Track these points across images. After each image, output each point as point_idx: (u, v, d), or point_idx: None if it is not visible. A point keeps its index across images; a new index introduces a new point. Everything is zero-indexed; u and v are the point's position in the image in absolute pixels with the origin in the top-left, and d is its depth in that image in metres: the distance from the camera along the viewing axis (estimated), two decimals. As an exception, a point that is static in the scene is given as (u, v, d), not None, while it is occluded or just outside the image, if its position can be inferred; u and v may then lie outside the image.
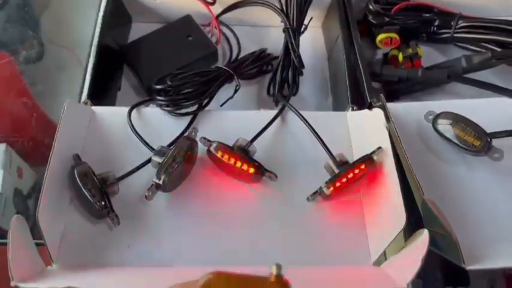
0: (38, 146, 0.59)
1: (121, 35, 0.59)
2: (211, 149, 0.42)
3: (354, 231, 0.41)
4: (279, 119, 0.47)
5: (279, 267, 0.21)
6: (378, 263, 0.39)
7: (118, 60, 0.57)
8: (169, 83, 0.47)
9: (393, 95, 0.54)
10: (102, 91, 0.51)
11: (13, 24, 0.67)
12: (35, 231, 0.36)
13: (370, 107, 0.48)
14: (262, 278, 0.21)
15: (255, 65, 0.56)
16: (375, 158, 0.42)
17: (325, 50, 0.61)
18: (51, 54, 0.65)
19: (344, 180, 0.41)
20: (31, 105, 0.61)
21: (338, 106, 0.54)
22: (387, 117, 0.44)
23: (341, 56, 0.53)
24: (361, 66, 0.51)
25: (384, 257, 0.39)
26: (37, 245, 0.37)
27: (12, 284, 0.32)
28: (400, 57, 0.55)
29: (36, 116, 0.60)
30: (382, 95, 0.45)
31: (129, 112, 0.46)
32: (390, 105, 0.46)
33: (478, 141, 0.43)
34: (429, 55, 0.58)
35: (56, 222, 0.39)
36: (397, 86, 0.54)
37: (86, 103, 0.47)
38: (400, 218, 0.37)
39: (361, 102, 0.49)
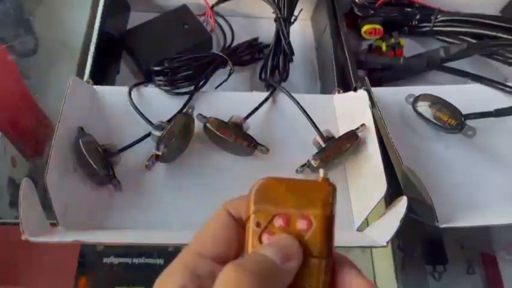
0: (30, 137, 0.61)
1: (120, 23, 0.62)
2: (208, 124, 0.45)
3: (338, 201, 0.44)
4: (270, 100, 0.51)
5: (325, 172, 0.23)
6: (360, 229, 0.43)
7: (117, 46, 0.59)
8: (167, 65, 0.50)
9: (377, 83, 0.58)
10: (102, 74, 0.53)
11: (7, 18, 0.69)
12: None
13: (354, 90, 0.51)
14: (312, 181, 0.23)
15: (248, 51, 0.59)
16: (359, 133, 0.45)
17: (314, 41, 0.65)
18: (45, 48, 0.66)
19: (330, 153, 0.44)
20: (25, 97, 0.62)
21: (325, 91, 0.57)
22: (371, 99, 0.47)
23: (329, 45, 0.56)
24: (347, 54, 0.55)
25: (366, 224, 0.43)
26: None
27: (23, 238, 0.35)
28: (384, 47, 0.59)
29: (29, 108, 0.62)
30: (366, 78, 0.49)
31: (130, 90, 0.49)
32: (374, 89, 0.49)
33: (453, 120, 0.46)
34: (410, 47, 0.62)
35: (62, 188, 0.41)
36: (380, 74, 0.57)
37: (88, 82, 0.49)
38: (381, 186, 0.40)
39: (346, 87, 0.53)
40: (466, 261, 0.56)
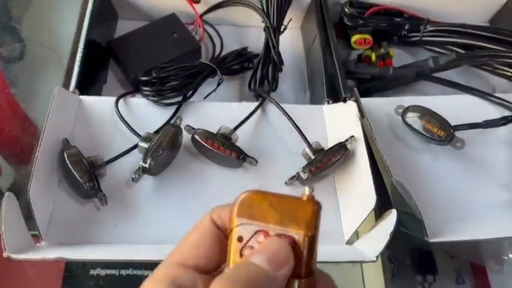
0: (16, 145, 0.60)
1: (107, 31, 0.61)
2: (196, 135, 0.45)
3: (328, 213, 0.44)
4: (259, 111, 0.50)
5: (311, 189, 0.23)
6: (350, 242, 0.42)
7: (104, 54, 0.58)
8: (154, 75, 0.50)
9: (366, 93, 0.58)
10: (88, 83, 0.52)
11: None
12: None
13: (344, 101, 0.51)
14: (296, 198, 0.23)
15: (237, 61, 0.59)
16: (348, 145, 0.45)
17: (303, 50, 0.64)
18: (32, 54, 0.65)
19: (319, 165, 0.44)
20: (11, 104, 0.61)
21: (315, 101, 0.57)
22: (360, 110, 0.47)
23: (318, 54, 0.56)
24: (336, 64, 0.54)
25: (356, 236, 0.42)
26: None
27: (5, 255, 0.34)
28: (373, 57, 0.59)
29: (16, 115, 0.60)
30: (355, 89, 0.48)
31: (117, 101, 0.48)
32: (363, 100, 0.49)
33: (442, 131, 0.46)
34: (400, 57, 0.62)
35: (46, 202, 0.41)
36: (370, 84, 0.57)
37: (74, 92, 0.48)
38: (370, 199, 0.40)
39: (336, 98, 0.52)
40: (456, 271, 0.56)
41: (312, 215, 0.22)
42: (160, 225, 0.42)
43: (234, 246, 0.22)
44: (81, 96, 0.49)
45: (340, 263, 0.50)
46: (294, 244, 0.22)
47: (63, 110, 0.45)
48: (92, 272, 0.57)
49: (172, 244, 0.40)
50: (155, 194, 0.44)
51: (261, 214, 0.22)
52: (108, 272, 0.52)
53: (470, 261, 0.56)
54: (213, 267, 0.23)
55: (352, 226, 0.42)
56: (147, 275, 0.50)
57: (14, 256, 0.34)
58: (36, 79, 0.64)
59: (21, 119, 0.61)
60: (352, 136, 0.45)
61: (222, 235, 0.23)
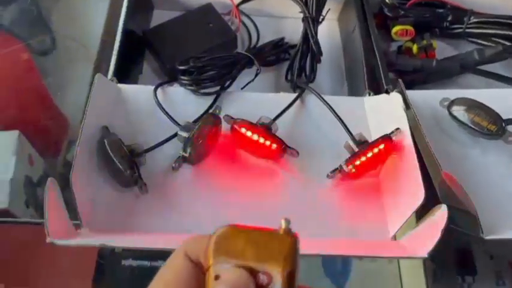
0: (47, 136, 0.60)
1: (143, 21, 0.61)
2: (235, 125, 0.44)
3: (372, 208, 0.43)
4: (298, 102, 0.49)
5: (287, 221, 0.22)
6: (395, 238, 0.41)
7: (140, 44, 0.58)
8: (192, 64, 0.49)
9: (407, 86, 0.56)
10: (125, 73, 0.52)
11: (24, 16, 0.68)
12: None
13: (386, 93, 0.49)
14: (273, 232, 0.22)
15: (274, 51, 0.57)
16: (393, 137, 0.43)
17: (341, 42, 0.63)
18: (62, 46, 0.66)
19: (363, 158, 0.42)
20: (43, 95, 0.62)
21: (353, 94, 0.55)
22: (405, 101, 0.45)
23: (358, 45, 0.55)
24: (377, 55, 0.53)
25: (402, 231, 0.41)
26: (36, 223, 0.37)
27: (48, 240, 0.33)
28: (415, 48, 0.57)
29: (47, 106, 0.61)
30: (400, 80, 0.47)
31: (155, 89, 0.47)
32: (407, 92, 0.47)
33: (493, 125, 0.44)
34: (442, 49, 0.59)
35: (86, 189, 0.40)
36: (411, 76, 0.55)
37: (112, 80, 0.48)
38: (418, 193, 0.38)
39: (376, 90, 0.51)
40: (495, 272, 0.54)
41: (289, 249, 0.22)
42: (201, 214, 0.41)
43: (211, 286, 0.21)
44: (119, 85, 0.48)
45: (374, 260, 0.48)
46: (271, 280, 0.21)
47: (102, 97, 0.44)
48: (124, 262, 0.56)
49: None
50: (195, 184, 0.43)
51: (237, 251, 0.22)
52: (140, 263, 0.51)
53: (510, 261, 0.54)
54: None
55: (397, 221, 0.40)
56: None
57: (57, 242, 0.33)
58: (65, 72, 0.64)
59: (52, 109, 0.62)
60: (398, 128, 0.43)
61: (199, 271, 0.22)
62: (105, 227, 0.39)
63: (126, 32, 0.53)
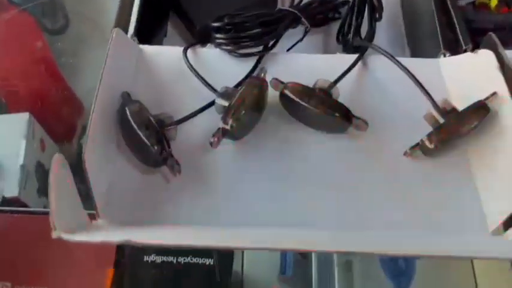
0: (61, 120, 0.57)
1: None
2: (286, 90, 0.35)
3: (462, 193, 0.34)
4: (359, 64, 0.40)
5: None
6: (498, 232, 0.32)
7: (164, 3, 0.50)
8: (227, 20, 0.40)
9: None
10: (147, 35, 0.44)
11: None
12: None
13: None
14: None
15: (322, 9, 0.48)
16: (489, 105, 0.34)
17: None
18: (75, 26, 0.63)
19: (451, 131, 0.33)
20: (55, 76, 0.58)
21: (419, 57, 0.46)
22: (500, 60, 0.36)
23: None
24: (451, 9, 0.43)
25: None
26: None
27: (54, 235, 0.25)
28: (493, 2, 0.47)
29: (59, 88, 0.58)
30: (492, 34, 0.37)
31: (185, 50, 0.39)
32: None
33: None
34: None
35: (103, 170, 0.32)
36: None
37: (133, 40, 0.39)
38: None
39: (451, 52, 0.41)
40: None
41: None
42: (243, 203, 0.33)
43: None
44: (140, 46, 0.40)
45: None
46: None
47: (122, 57, 0.36)
48: (146, 258, 0.50)
49: (257, 228, 0.31)
50: (237, 163, 0.35)
51: None
52: (165, 258, 0.45)
53: None
54: None
55: (499, 212, 0.31)
56: (209, 264, 0.43)
57: (66, 237, 0.25)
58: (79, 53, 0.61)
59: (66, 93, 0.58)
60: (494, 93, 0.34)
61: None
62: (126, 218, 0.31)
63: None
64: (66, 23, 0.62)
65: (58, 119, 0.57)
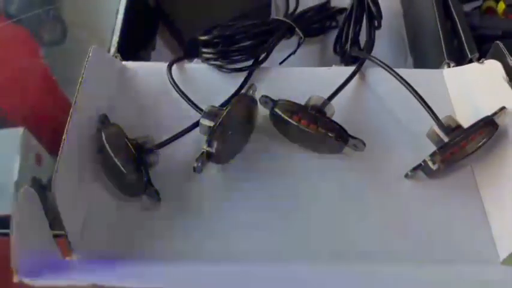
0: (58, 133, 0.54)
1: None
2: (277, 109, 0.32)
3: (469, 218, 0.31)
4: (357, 77, 0.37)
5: None
6: (508, 262, 0.29)
7: (152, 15, 0.48)
8: (216, 33, 0.38)
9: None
10: (133, 49, 0.42)
11: (35, 6, 0.61)
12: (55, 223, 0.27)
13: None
14: None
15: (318, 18, 0.46)
16: (497, 120, 0.31)
17: (400, 6, 0.50)
18: (73, 36, 0.60)
19: (456, 150, 0.31)
20: (52, 89, 0.56)
21: (421, 67, 0.43)
22: (508, 70, 0.33)
23: (427, 6, 0.42)
24: (455, 14, 0.41)
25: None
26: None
27: (15, 279, 0.23)
28: (501, 7, 0.44)
29: (56, 101, 0.55)
30: (499, 42, 0.34)
31: (169, 67, 0.37)
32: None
33: None
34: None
35: (77, 201, 0.30)
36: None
37: (115, 57, 0.37)
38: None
39: (455, 61, 0.39)
40: None
41: None
42: (233, 233, 0.30)
43: None
44: (123, 62, 0.38)
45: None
46: None
47: (100, 77, 0.34)
48: None
49: (249, 263, 0.28)
50: (223, 190, 0.32)
51: None
52: None
53: None
54: None
55: (510, 236, 0.28)
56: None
57: (27, 281, 0.22)
58: (77, 64, 0.57)
59: (62, 104, 0.54)
60: (503, 107, 0.31)
61: None
62: (103, 253, 0.29)
63: (134, 1, 0.42)
64: (63, 34, 0.60)
65: (55, 131, 0.55)
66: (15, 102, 0.54)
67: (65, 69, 0.56)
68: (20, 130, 0.47)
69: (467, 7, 0.48)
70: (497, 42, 0.35)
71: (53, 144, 0.52)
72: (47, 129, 0.53)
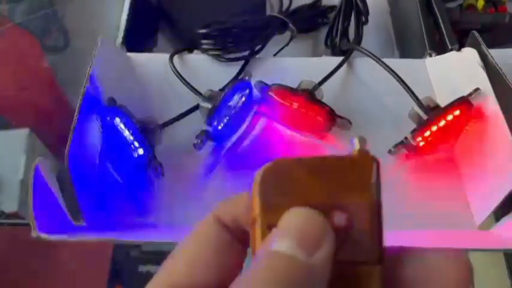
0: (60, 137, 0.56)
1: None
2: (270, 92, 0.35)
3: (448, 190, 0.34)
4: (345, 66, 0.40)
5: (363, 140, 0.16)
6: (485, 227, 0.31)
7: (154, 12, 0.50)
8: (214, 27, 0.41)
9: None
10: (136, 44, 0.44)
11: (37, 12, 0.63)
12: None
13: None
14: (343, 156, 0.16)
15: (310, 14, 0.49)
16: (472, 100, 0.34)
17: (387, 3, 0.54)
18: (76, 44, 0.61)
19: (434, 128, 0.33)
20: (56, 93, 0.57)
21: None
22: (483, 57, 0.36)
23: (411, 1, 0.46)
24: (436, 10, 0.44)
25: (492, 219, 0.31)
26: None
27: (33, 234, 0.25)
28: (480, 3, 0.47)
29: (60, 105, 0.56)
30: (475, 32, 0.37)
31: (171, 56, 0.39)
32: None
33: None
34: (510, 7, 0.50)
35: (88, 175, 0.32)
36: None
37: (121, 48, 0.40)
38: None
39: (437, 52, 0.42)
40: None
41: (370, 174, 0.15)
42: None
43: (264, 239, 0.15)
44: (128, 53, 0.41)
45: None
46: (351, 219, 0.15)
47: (108, 64, 0.36)
48: (142, 268, 0.50)
49: None
50: (222, 165, 0.35)
51: (296, 186, 0.15)
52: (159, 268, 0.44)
53: None
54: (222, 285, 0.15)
55: (485, 207, 0.31)
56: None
57: (45, 236, 0.25)
58: (80, 71, 0.59)
59: (66, 108, 0.56)
60: (477, 88, 0.34)
61: (234, 239, 0.16)
62: (110, 221, 0.31)
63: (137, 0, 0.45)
64: (66, 40, 0.62)
65: (59, 135, 0.57)
66: (20, 106, 0.57)
67: (68, 75, 0.57)
68: (26, 130, 0.49)
69: (451, 4, 0.52)
70: (473, 32, 0.38)
71: (55, 146, 0.54)
72: (51, 133, 0.55)
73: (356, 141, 0.16)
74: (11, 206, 0.44)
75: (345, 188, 0.15)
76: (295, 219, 0.15)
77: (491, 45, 0.46)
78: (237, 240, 0.16)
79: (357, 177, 0.15)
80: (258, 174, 0.16)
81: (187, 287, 0.16)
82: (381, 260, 0.15)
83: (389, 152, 0.34)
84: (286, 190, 0.15)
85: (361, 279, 0.15)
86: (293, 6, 0.51)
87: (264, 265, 0.14)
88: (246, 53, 0.41)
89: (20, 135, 0.48)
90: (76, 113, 0.31)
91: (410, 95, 0.35)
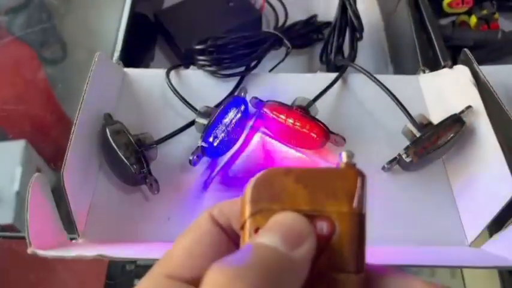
0: (57, 149, 0.55)
1: (155, 2, 0.54)
2: (265, 108, 0.36)
3: (440, 207, 0.34)
4: (339, 82, 0.41)
5: (350, 154, 0.17)
6: (476, 245, 0.32)
7: (151, 28, 0.51)
8: (210, 43, 0.41)
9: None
10: (133, 59, 0.45)
11: (36, 24, 0.64)
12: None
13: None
14: (330, 168, 0.17)
15: (305, 30, 0.49)
16: (464, 118, 0.34)
17: (381, 20, 0.54)
18: (73, 55, 0.62)
19: (427, 144, 0.34)
20: (53, 105, 0.57)
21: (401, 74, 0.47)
22: (475, 74, 0.36)
23: (405, 19, 0.46)
24: (430, 27, 0.44)
25: (485, 236, 0.32)
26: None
27: (29, 250, 0.26)
28: (473, 20, 0.48)
29: (57, 116, 0.56)
30: (466, 50, 0.38)
31: (168, 72, 0.40)
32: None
33: None
34: (502, 24, 0.50)
35: (84, 190, 0.32)
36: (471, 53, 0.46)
37: (118, 63, 0.41)
38: (506, 187, 0.29)
39: (430, 68, 0.42)
40: None
41: (356, 186, 0.16)
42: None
43: (250, 241, 0.16)
44: (125, 69, 0.41)
45: (435, 273, 0.40)
46: (333, 228, 0.16)
47: (105, 80, 0.37)
48: (137, 282, 0.49)
49: None
50: (217, 181, 0.35)
51: (284, 194, 0.16)
52: None
53: None
54: None
55: (477, 224, 0.31)
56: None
57: (41, 253, 0.25)
58: (77, 82, 0.59)
59: (62, 120, 0.57)
60: (469, 106, 0.34)
61: (226, 237, 0.18)
62: (107, 236, 0.31)
63: (135, 16, 0.46)
64: (64, 52, 0.62)
65: (55, 146, 0.56)
66: (17, 118, 0.57)
67: (65, 87, 0.58)
68: (23, 142, 0.49)
69: (444, 21, 0.52)
70: (465, 49, 0.38)
71: (51, 158, 0.55)
72: (47, 144, 0.55)
73: (344, 155, 0.17)
74: (6, 218, 0.44)
75: (329, 198, 0.16)
76: (281, 219, 0.16)
77: (484, 61, 0.47)
78: (232, 242, 0.17)
79: (341, 188, 0.16)
80: (250, 181, 0.17)
81: (183, 277, 0.17)
82: (360, 270, 0.16)
83: (383, 168, 0.35)
84: (274, 197, 0.16)
85: (340, 286, 0.16)
86: (288, 23, 0.52)
87: (248, 254, 0.15)
88: (242, 68, 0.42)
89: (16, 147, 0.49)
90: (72, 130, 0.31)
91: (403, 112, 0.36)
